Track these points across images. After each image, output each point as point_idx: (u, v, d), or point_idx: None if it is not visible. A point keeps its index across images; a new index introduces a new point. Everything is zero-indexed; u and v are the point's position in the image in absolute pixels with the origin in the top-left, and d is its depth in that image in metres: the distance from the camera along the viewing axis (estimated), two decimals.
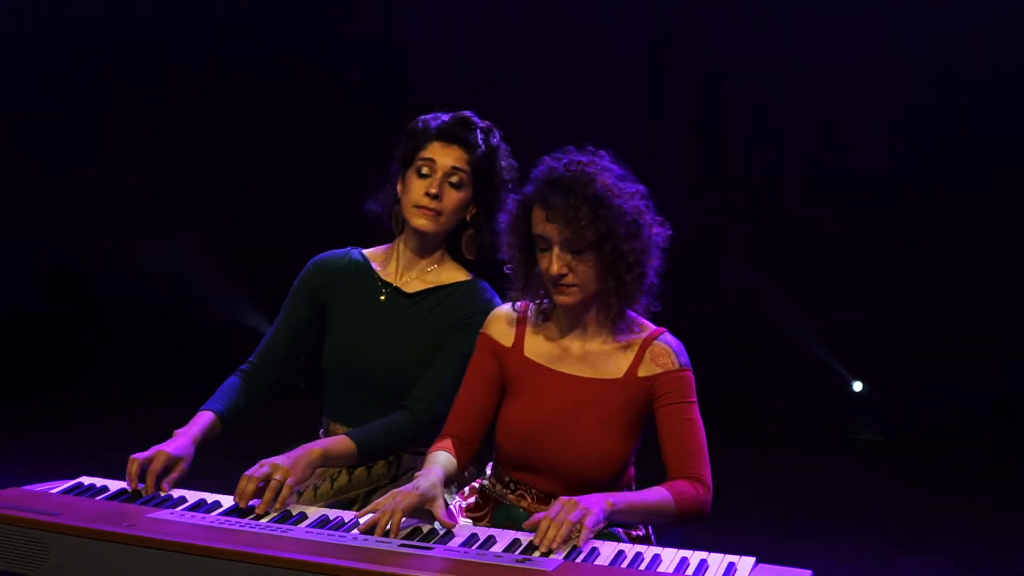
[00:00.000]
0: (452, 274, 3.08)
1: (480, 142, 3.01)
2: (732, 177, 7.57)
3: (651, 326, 2.77)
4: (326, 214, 6.70)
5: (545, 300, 2.76)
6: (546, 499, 2.71)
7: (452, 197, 2.98)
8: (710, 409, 7.33)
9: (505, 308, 2.86)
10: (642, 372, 2.70)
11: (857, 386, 7.12)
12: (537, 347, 2.79)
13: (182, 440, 2.82)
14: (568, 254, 2.61)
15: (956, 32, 6.98)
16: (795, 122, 7.36)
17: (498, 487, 2.84)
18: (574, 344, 2.76)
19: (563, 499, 2.43)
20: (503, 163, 3.06)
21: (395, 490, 2.53)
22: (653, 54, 7.56)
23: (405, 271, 3.09)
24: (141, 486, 2.71)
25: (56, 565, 2.42)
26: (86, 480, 2.79)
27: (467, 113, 3.05)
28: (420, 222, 2.98)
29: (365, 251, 3.19)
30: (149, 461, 2.72)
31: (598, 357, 2.73)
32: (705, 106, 7.59)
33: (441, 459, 2.70)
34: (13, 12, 7.67)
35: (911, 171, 7.13)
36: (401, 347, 3.01)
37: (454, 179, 2.98)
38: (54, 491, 2.72)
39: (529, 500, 2.76)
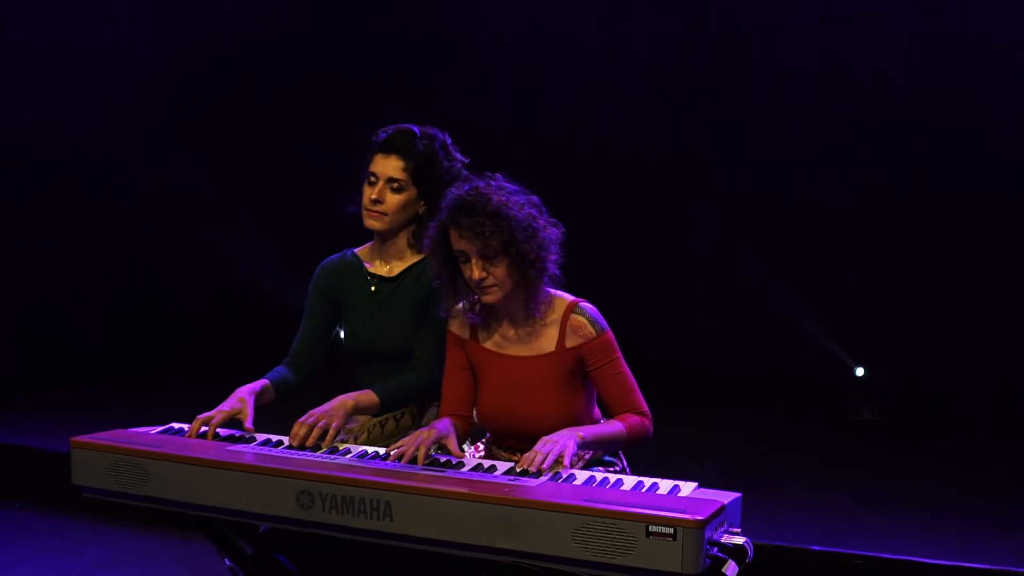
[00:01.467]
0: (420, 253, 3.67)
1: (417, 149, 3.57)
2: (737, 163, 7.95)
3: (568, 298, 3.38)
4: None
5: (476, 301, 3.37)
6: None
7: (393, 199, 3.59)
8: (721, 392, 7.84)
9: (461, 305, 3.45)
10: (569, 343, 3.32)
11: (859, 371, 7.64)
12: (486, 337, 3.42)
13: (238, 395, 3.46)
14: (483, 261, 3.22)
15: (953, 9, 7.34)
16: (804, 102, 7.68)
17: (494, 448, 3.50)
18: (510, 330, 3.39)
19: (545, 437, 3.10)
20: (444, 164, 3.61)
21: (418, 430, 3.20)
22: (653, 29, 8.02)
23: (384, 261, 3.74)
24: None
25: (155, 485, 3.08)
26: (176, 424, 3.47)
27: (407, 125, 3.63)
28: (369, 223, 3.64)
29: (356, 250, 3.82)
30: (211, 418, 3.36)
31: (531, 337, 3.36)
32: (710, 79, 7.95)
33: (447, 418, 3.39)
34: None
35: (917, 159, 7.46)
36: (395, 324, 3.66)
37: (394, 185, 3.59)
38: (152, 432, 3.40)
39: (518, 456, 3.39)
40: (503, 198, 3.24)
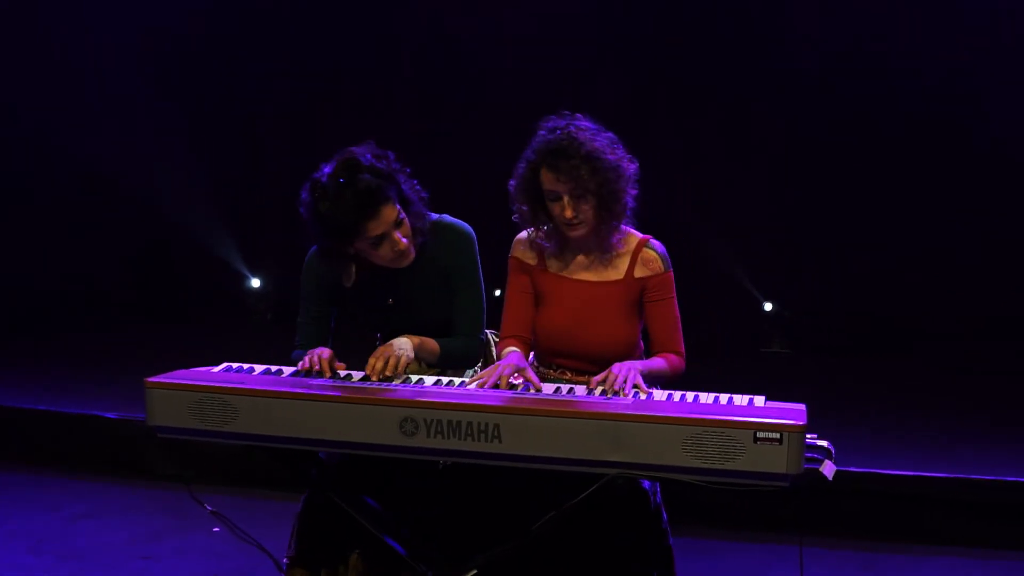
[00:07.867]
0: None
1: (367, 191, 3.39)
2: (660, 107, 8.26)
3: (638, 235, 3.62)
4: None
5: (547, 230, 3.58)
6: (580, 374, 3.56)
7: (399, 237, 3.49)
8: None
9: (524, 235, 3.67)
10: (637, 273, 3.57)
11: (768, 306, 8.09)
12: (555, 263, 3.64)
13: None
14: (575, 201, 3.43)
15: None
16: (764, 54, 8.06)
17: (541, 368, 3.69)
18: (580, 258, 3.61)
19: (617, 364, 3.29)
20: (382, 168, 3.45)
21: (496, 363, 3.35)
22: None
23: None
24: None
25: (244, 422, 3.11)
26: (233, 364, 3.46)
27: (343, 181, 3.40)
28: (400, 263, 3.57)
29: None
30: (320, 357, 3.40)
31: (601, 265, 3.59)
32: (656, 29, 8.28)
33: (516, 349, 3.55)
34: None
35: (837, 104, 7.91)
36: (421, 298, 3.71)
37: (394, 234, 3.47)
38: (215, 370, 3.39)
39: (569, 375, 3.61)
40: (596, 143, 3.42)
